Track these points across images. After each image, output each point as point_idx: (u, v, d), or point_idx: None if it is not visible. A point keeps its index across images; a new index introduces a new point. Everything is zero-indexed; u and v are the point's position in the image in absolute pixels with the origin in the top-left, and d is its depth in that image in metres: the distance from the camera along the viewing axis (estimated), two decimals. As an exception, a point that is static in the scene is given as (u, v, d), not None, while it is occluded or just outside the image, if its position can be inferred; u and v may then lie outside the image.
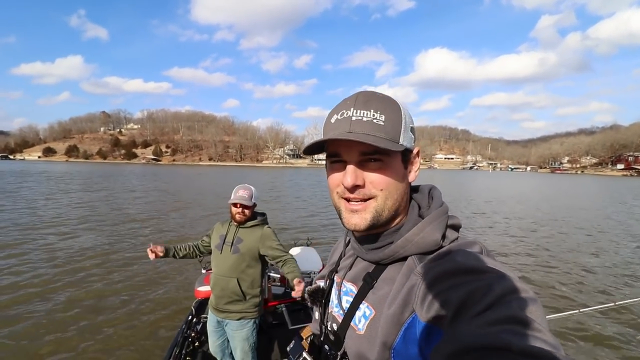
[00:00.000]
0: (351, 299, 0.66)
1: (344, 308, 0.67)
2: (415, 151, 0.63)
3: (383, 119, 0.58)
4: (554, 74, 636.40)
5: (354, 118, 0.58)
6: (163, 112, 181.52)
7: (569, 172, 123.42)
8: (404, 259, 0.59)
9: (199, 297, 3.17)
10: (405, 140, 0.60)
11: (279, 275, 3.18)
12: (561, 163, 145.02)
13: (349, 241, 0.75)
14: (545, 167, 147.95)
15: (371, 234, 0.65)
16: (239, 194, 2.28)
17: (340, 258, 0.78)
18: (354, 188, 0.59)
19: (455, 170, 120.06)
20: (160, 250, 2.37)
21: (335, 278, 0.76)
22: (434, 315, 0.47)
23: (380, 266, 0.63)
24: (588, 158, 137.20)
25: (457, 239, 0.59)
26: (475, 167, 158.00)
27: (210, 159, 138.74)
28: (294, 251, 3.70)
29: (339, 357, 0.65)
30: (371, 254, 0.64)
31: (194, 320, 3.02)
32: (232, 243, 2.31)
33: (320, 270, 3.24)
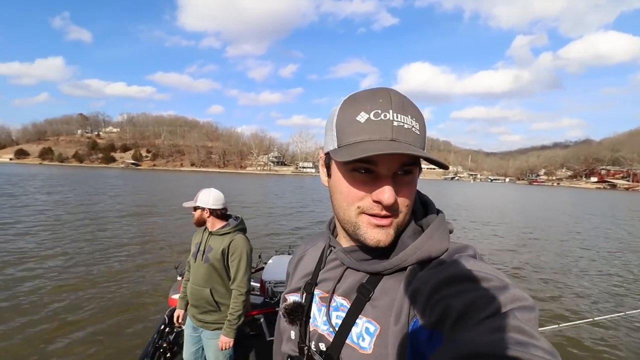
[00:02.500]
0: (343, 315, 0.60)
1: (335, 325, 0.60)
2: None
3: (418, 128, 0.53)
4: (528, 90, 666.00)
5: (395, 123, 0.51)
6: (144, 116, 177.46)
7: (546, 183, 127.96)
8: (404, 268, 0.56)
9: (173, 306, 2.96)
10: (425, 148, 0.55)
11: (258, 284, 3.05)
12: (538, 175, 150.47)
13: (331, 250, 0.69)
14: (523, 179, 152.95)
15: (365, 244, 0.58)
16: (197, 196, 2.21)
17: (317, 268, 0.71)
18: (390, 206, 0.52)
19: (438, 181, 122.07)
20: (182, 314, 2.44)
21: (316, 292, 0.68)
22: (436, 321, 0.46)
23: (376, 277, 0.58)
24: (563, 170, 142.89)
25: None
26: (457, 178, 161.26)
27: (192, 165, 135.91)
28: (275, 259, 3.55)
29: None
30: (368, 264, 0.59)
31: (167, 329, 2.84)
32: (204, 252, 2.20)
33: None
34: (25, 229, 9.65)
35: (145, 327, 4.26)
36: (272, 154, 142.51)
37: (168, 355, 2.68)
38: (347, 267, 0.64)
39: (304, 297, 0.70)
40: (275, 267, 3.51)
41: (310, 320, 0.67)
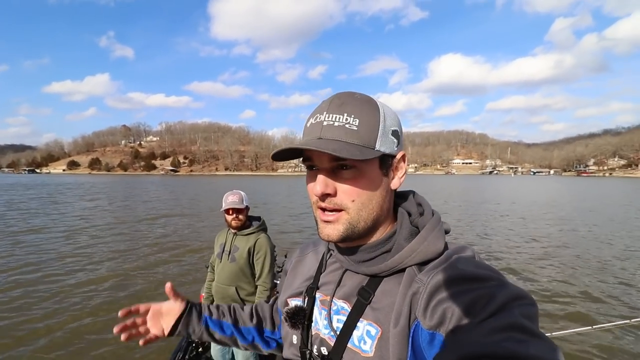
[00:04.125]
0: (344, 318, 0.59)
1: (336, 329, 0.60)
2: (399, 156, 0.58)
3: (357, 124, 0.54)
4: (571, 75, 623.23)
5: (325, 123, 0.55)
6: (181, 124, 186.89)
7: (596, 174, 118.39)
8: (403, 269, 0.56)
9: None
10: (383, 145, 0.55)
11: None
12: (587, 165, 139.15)
13: (330, 254, 0.69)
14: (570, 170, 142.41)
15: (359, 245, 0.60)
16: (229, 199, 2.26)
17: (318, 272, 0.71)
18: (324, 197, 0.56)
19: (474, 176, 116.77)
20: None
21: (317, 296, 0.68)
22: (437, 322, 0.46)
23: (375, 279, 0.58)
24: (616, 160, 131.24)
25: (446, 244, 0.58)
26: (495, 172, 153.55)
27: (226, 169, 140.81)
28: None
29: None
30: (366, 266, 0.59)
31: None
32: (230, 252, 2.31)
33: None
34: (93, 229, 10.41)
35: None
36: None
37: (200, 349, 2.82)
38: (346, 270, 0.64)
39: (305, 301, 0.70)
40: None
41: (312, 324, 0.67)
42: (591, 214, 15.56)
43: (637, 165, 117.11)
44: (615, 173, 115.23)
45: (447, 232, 0.60)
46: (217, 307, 0.86)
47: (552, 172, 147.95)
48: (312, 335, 0.66)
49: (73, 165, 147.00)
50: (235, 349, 2.34)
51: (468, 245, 0.57)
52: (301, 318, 0.67)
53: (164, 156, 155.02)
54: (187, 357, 2.68)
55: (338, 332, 0.59)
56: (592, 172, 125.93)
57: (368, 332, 0.55)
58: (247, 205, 2.32)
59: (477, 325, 0.41)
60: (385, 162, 0.57)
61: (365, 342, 0.55)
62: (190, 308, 0.81)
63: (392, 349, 0.51)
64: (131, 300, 5.28)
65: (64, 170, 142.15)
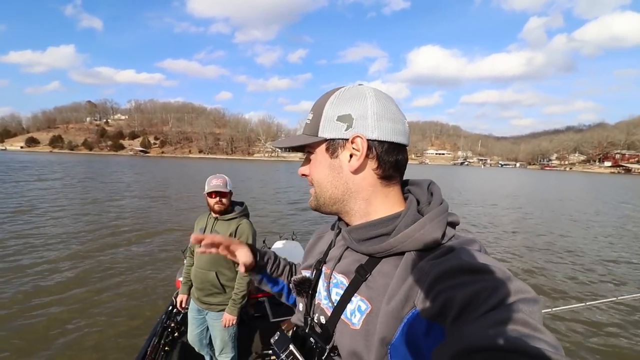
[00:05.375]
0: (341, 292, 0.64)
1: (334, 301, 0.65)
2: (350, 138, 0.60)
3: (310, 117, 0.65)
4: (541, 73, 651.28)
5: (305, 122, 0.68)
6: (152, 103, 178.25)
7: (558, 168, 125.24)
8: (401, 253, 0.58)
9: None
10: (326, 131, 0.62)
11: None
12: (550, 160, 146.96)
13: (340, 231, 0.72)
14: (534, 164, 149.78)
15: (361, 225, 0.64)
16: (213, 183, 2.22)
17: (329, 248, 0.76)
18: (304, 176, 0.70)
19: (447, 166, 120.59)
20: (185, 298, 2.53)
21: (323, 269, 0.73)
22: (437, 313, 0.46)
23: (374, 259, 0.61)
24: (576, 155, 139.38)
25: (454, 236, 0.58)
26: (466, 163, 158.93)
27: (200, 152, 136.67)
28: (278, 244, 3.55)
29: (327, 351, 0.62)
30: (364, 245, 0.62)
31: (175, 310, 2.95)
32: None
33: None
34: (44, 212, 9.72)
35: (154, 307, 4.43)
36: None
37: (176, 334, 2.81)
38: (347, 247, 0.67)
39: (313, 273, 0.75)
40: (279, 252, 3.41)
41: (316, 295, 0.72)
42: (545, 204, 16.43)
43: (594, 161, 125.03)
44: (575, 168, 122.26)
45: (455, 223, 0.60)
46: (279, 264, 0.96)
47: (518, 165, 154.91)
48: (315, 305, 0.71)
49: (32, 142, 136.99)
50: (213, 332, 2.36)
51: (476, 239, 0.57)
52: (306, 287, 0.73)
53: (133, 136, 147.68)
54: (162, 342, 2.64)
55: (335, 304, 0.64)
56: (554, 166, 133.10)
57: (359, 307, 0.59)
58: (230, 190, 2.28)
59: (479, 318, 0.41)
60: (332, 146, 0.62)
61: (355, 316, 0.59)
62: (258, 266, 0.92)
63: (379, 327, 0.54)
64: (86, 283, 4.95)
65: (21, 147, 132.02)
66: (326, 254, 0.75)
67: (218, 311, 2.30)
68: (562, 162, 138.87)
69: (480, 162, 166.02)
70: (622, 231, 10.54)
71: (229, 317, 2.22)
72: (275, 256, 0.99)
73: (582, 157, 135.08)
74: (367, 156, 0.60)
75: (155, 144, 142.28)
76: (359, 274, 0.61)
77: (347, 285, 0.63)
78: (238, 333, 2.41)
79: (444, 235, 0.56)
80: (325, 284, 0.69)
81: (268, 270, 0.94)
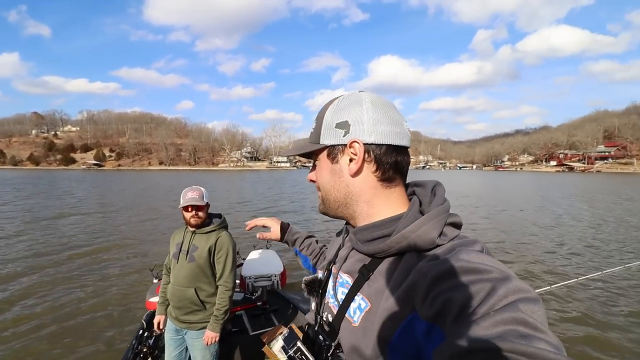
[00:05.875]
0: (346, 291, 0.65)
1: (339, 299, 0.67)
2: (348, 143, 0.62)
3: (314, 126, 0.68)
4: (490, 81, 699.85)
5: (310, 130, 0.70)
6: (106, 114, 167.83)
7: (510, 169, 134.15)
8: (402, 253, 0.58)
9: (151, 309, 2.96)
10: (327, 138, 0.65)
11: (238, 280, 3.05)
12: (502, 161, 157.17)
13: (348, 233, 0.74)
14: (489, 165, 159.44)
15: (365, 226, 0.65)
16: (189, 196, 2.13)
17: (339, 249, 0.78)
18: (312, 182, 0.73)
19: (410, 170, 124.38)
20: (163, 319, 2.33)
21: (332, 269, 0.75)
22: (436, 314, 0.46)
23: (377, 259, 0.62)
24: (525, 156, 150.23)
25: (456, 236, 0.58)
26: (428, 167, 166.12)
27: (161, 163, 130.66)
28: (253, 255, 3.55)
29: (333, 347, 0.64)
30: (368, 246, 0.63)
31: (146, 334, 2.80)
32: (188, 251, 2.17)
33: (282, 273, 3.22)
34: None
35: (122, 332, 4.12)
36: (245, 149, 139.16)
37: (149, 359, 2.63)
38: (353, 248, 0.70)
39: (324, 274, 0.78)
40: (254, 263, 3.44)
41: (326, 294, 0.74)
42: (500, 201, 17.63)
43: (542, 161, 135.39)
44: (525, 167, 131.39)
45: (457, 224, 0.60)
46: (308, 245, 1.13)
47: (474, 167, 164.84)
48: (324, 304, 0.73)
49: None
50: (193, 352, 2.21)
51: (478, 240, 0.57)
52: (316, 287, 0.77)
53: (86, 148, 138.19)
54: None
55: (340, 303, 0.66)
56: (507, 167, 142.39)
57: (360, 305, 0.61)
58: (207, 202, 2.20)
59: (478, 319, 0.40)
60: (332, 152, 0.65)
61: (356, 314, 0.61)
62: (286, 241, 1.17)
63: (377, 325, 0.55)
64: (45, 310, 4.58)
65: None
66: (336, 255, 0.77)
67: (198, 329, 2.18)
68: (514, 163, 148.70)
69: (441, 166, 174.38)
70: (561, 222, 11.57)
71: (211, 335, 2.11)
72: (307, 237, 1.15)
73: (531, 158, 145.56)
74: (365, 160, 0.62)
75: (110, 156, 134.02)
76: (361, 274, 0.63)
77: (351, 284, 0.65)
78: (218, 350, 2.30)
79: (442, 235, 0.56)
80: (333, 284, 0.71)
81: (298, 246, 1.14)
